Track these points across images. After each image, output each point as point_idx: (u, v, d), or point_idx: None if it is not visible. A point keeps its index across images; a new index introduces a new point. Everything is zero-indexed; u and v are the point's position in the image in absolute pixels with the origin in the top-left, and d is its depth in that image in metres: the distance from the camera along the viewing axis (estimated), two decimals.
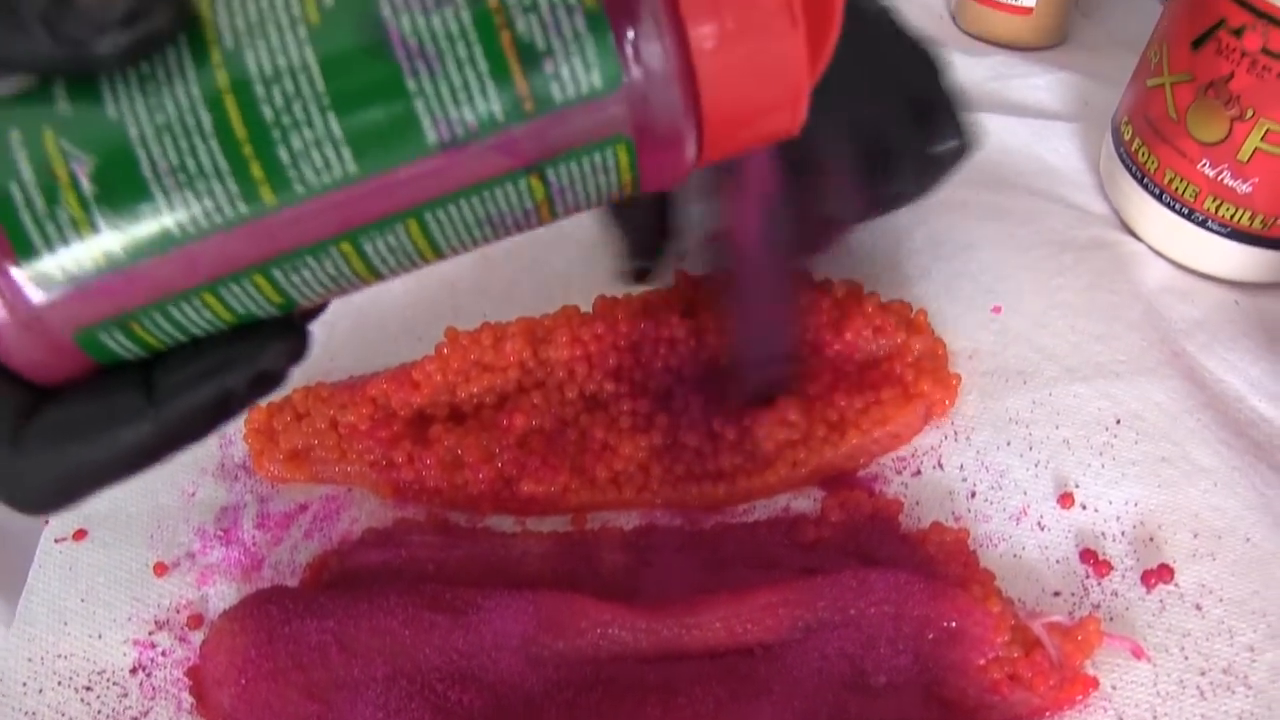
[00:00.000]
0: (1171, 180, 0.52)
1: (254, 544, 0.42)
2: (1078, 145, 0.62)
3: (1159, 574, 0.39)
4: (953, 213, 0.56)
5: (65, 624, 0.40)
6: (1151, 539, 0.41)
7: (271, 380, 0.27)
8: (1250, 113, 0.47)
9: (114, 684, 0.39)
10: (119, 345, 0.25)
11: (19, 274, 0.23)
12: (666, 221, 0.51)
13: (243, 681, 0.36)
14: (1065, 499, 0.42)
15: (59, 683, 0.39)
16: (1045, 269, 0.53)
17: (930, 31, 0.72)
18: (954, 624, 0.36)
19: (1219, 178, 0.50)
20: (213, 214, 0.23)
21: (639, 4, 0.23)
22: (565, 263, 0.53)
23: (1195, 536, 0.41)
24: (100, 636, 0.40)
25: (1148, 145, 0.53)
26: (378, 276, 0.26)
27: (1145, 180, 0.53)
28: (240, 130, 0.23)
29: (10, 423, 0.25)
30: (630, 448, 0.43)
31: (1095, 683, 0.36)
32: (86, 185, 0.23)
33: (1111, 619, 0.39)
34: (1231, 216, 0.50)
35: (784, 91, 0.25)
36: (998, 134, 0.62)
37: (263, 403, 0.44)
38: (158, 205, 0.23)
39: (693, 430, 0.43)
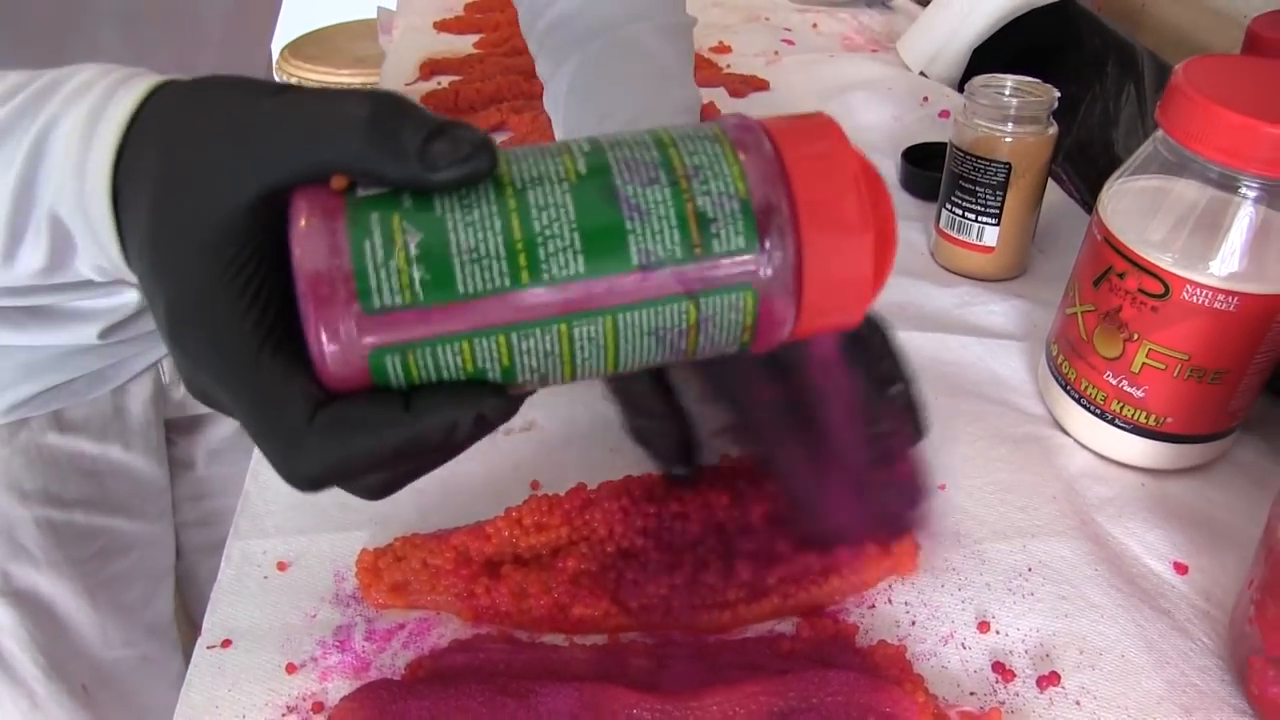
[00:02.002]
0: (1086, 387, 0.65)
1: (363, 652, 0.54)
2: (1024, 360, 0.74)
3: (1050, 679, 0.51)
4: None
5: (217, 707, 0.51)
6: (1047, 655, 0.53)
7: (487, 425, 0.36)
8: (1136, 335, 0.60)
9: None
10: (393, 369, 0.35)
11: (359, 308, 0.33)
12: (689, 434, 0.60)
13: None
14: (983, 626, 0.54)
15: None
16: (985, 456, 0.65)
17: (912, 266, 0.87)
18: (890, 709, 0.48)
19: (1120, 385, 0.62)
20: (488, 283, 0.34)
21: (773, 206, 0.35)
22: (609, 445, 0.67)
23: (1081, 653, 0.53)
24: (244, 716, 0.51)
25: (1068, 360, 0.66)
26: (573, 369, 0.37)
27: (1068, 387, 0.66)
28: (518, 233, 0.34)
29: (309, 412, 0.34)
30: (654, 586, 0.55)
31: None
32: (413, 250, 0.34)
33: (1012, 712, 0.50)
34: (1132, 416, 0.63)
35: (857, 294, 0.37)
36: (957, 351, 0.75)
37: (370, 547, 0.58)
38: (454, 271, 0.34)
39: (711, 570, 0.56)
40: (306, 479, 0.36)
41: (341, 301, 0.33)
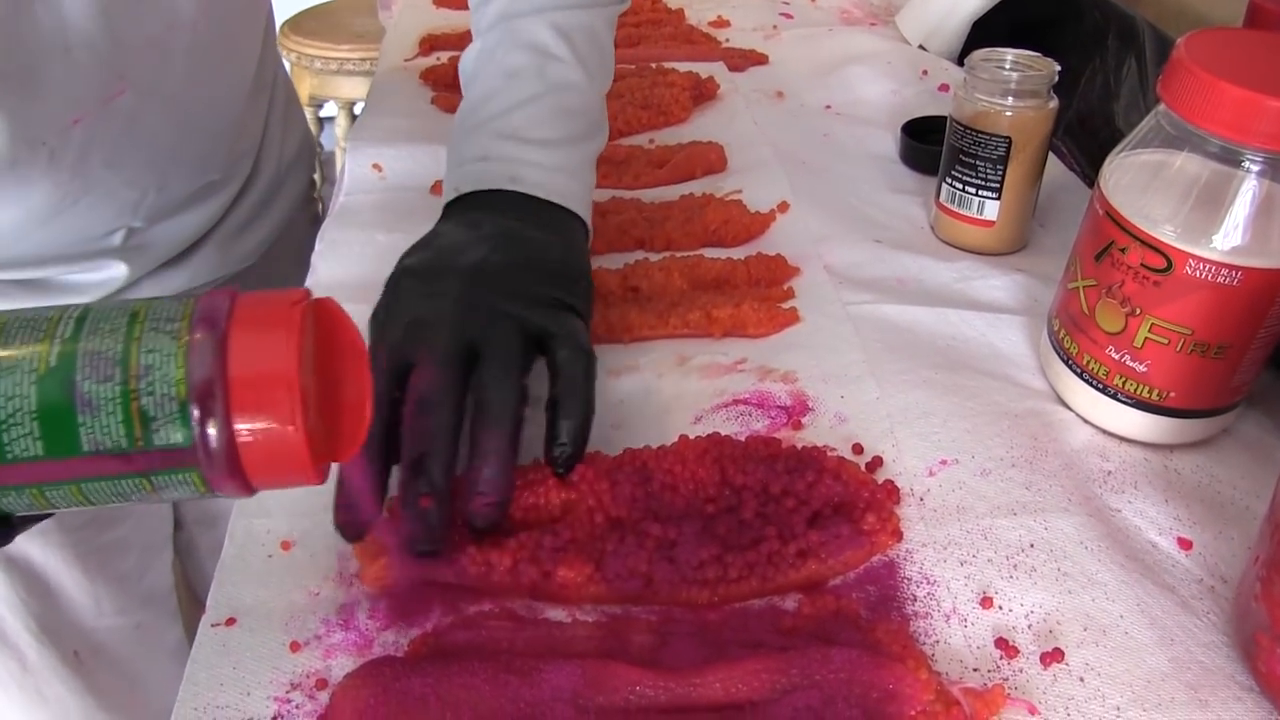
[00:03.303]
0: (1088, 362, 0.65)
1: (366, 630, 0.54)
2: (1025, 335, 0.74)
3: (1053, 655, 0.51)
4: (917, 388, 0.69)
5: (221, 685, 0.52)
6: (1051, 631, 0.53)
7: None
8: (1138, 310, 0.60)
9: None
10: None
11: None
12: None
13: None
14: (986, 602, 0.54)
15: None
16: (987, 432, 0.65)
17: (912, 240, 0.87)
18: (892, 686, 0.48)
19: (1122, 360, 0.62)
20: None
21: (208, 403, 0.39)
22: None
23: (1085, 630, 0.53)
24: (249, 694, 0.51)
25: (1070, 334, 0.66)
26: (59, 509, 0.42)
27: (1070, 362, 0.66)
28: None
29: None
30: (635, 559, 0.55)
31: None
32: None
33: (1015, 688, 0.50)
34: (1135, 391, 0.63)
35: (297, 468, 0.40)
36: (958, 325, 0.75)
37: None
38: None
39: (688, 548, 0.56)
40: None
41: None
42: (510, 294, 0.62)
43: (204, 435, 0.39)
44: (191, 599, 0.97)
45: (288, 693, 0.52)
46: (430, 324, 0.60)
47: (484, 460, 0.56)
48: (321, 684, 0.52)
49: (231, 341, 0.40)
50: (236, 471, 0.40)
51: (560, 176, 0.72)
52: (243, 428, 0.39)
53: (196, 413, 0.39)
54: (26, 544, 0.77)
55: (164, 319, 0.40)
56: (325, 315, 0.43)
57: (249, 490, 0.41)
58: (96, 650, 0.83)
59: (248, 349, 0.40)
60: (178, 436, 0.39)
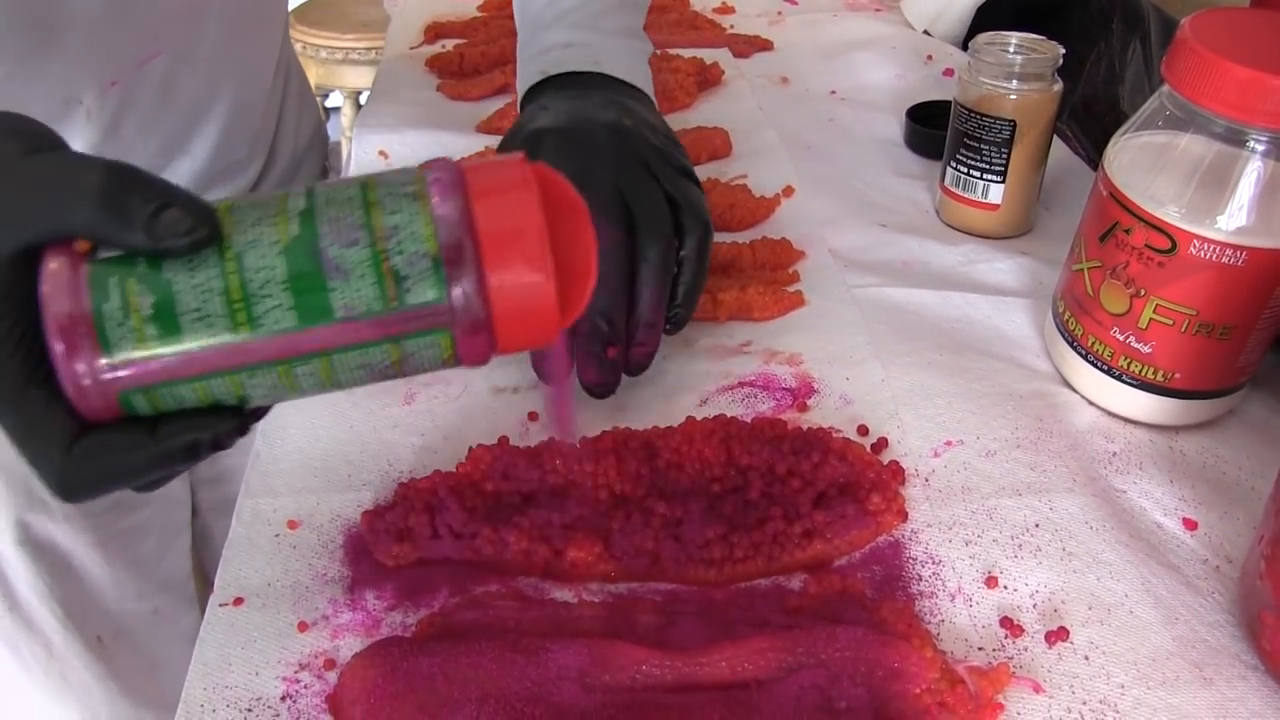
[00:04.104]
0: (1093, 344, 0.65)
1: (374, 610, 0.54)
2: (1029, 317, 0.74)
3: (1058, 634, 0.52)
4: (922, 370, 0.69)
5: (230, 664, 0.52)
6: (1056, 610, 0.53)
7: (224, 443, 0.42)
8: (1143, 291, 0.60)
9: (268, 708, 0.50)
10: (141, 405, 0.40)
11: (102, 360, 0.38)
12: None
13: (371, 701, 0.48)
14: (991, 581, 0.55)
15: (227, 705, 0.50)
16: (992, 413, 0.65)
17: (917, 224, 0.87)
18: (897, 665, 0.49)
19: (1127, 341, 0.62)
20: (213, 337, 0.39)
21: (460, 259, 0.39)
22: None
23: (1090, 609, 0.53)
24: (257, 673, 0.51)
25: (1075, 316, 0.66)
26: (300, 393, 0.42)
27: (1075, 344, 0.66)
28: (236, 293, 0.39)
29: (65, 443, 0.39)
30: (641, 537, 0.56)
31: (1002, 708, 0.48)
32: (146, 311, 0.38)
33: (1020, 666, 0.51)
34: (1140, 372, 0.63)
35: (543, 324, 0.41)
36: (963, 308, 0.75)
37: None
38: (183, 328, 0.39)
39: (693, 527, 0.56)
40: (67, 497, 0.41)
41: (86, 353, 0.38)
42: (651, 155, 0.66)
43: (459, 291, 0.39)
44: (207, 585, 0.97)
45: (296, 673, 0.52)
46: (592, 179, 0.62)
47: (643, 314, 0.62)
48: (330, 664, 0.52)
49: (475, 197, 0.40)
50: (487, 328, 0.40)
51: (639, 63, 0.78)
52: (496, 280, 0.40)
53: (450, 268, 0.39)
54: (51, 526, 0.77)
55: (397, 184, 0.41)
56: (541, 177, 0.43)
57: (490, 353, 0.42)
58: (118, 635, 0.83)
59: (492, 204, 0.40)
60: (431, 294, 0.39)
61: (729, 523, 0.56)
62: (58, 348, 0.38)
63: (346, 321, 0.39)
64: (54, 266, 0.38)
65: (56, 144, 0.42)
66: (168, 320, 0.39)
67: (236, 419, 0.42)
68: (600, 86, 0.73)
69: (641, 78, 0.77)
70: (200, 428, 0.41)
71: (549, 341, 0.42)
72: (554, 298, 0.40)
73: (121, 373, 0.39)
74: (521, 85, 0.78)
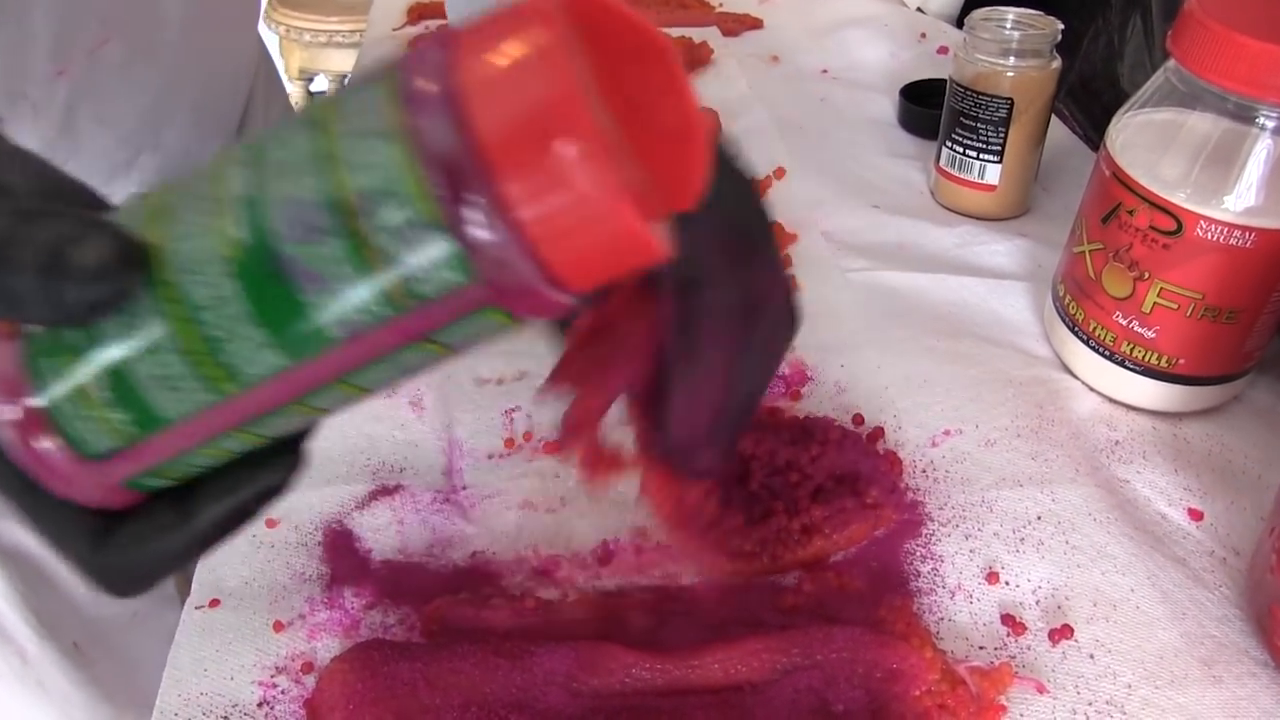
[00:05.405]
0: (1095, 328, 0.63)
1: (353, 609, 0.53)
2: (1028, 301, 0.73)
3: (1062, 632, 0.50)
4: (919, 356, 0.67)
5: (205, 670, 0.50)
6: (1059, 607, 0.51)
7: (277, 491, 0.35)
8: (1147, 274, 0.58)
9: (245, 715, 0.48)
10: (154, 483, 0.33)
11: (76, 458, 0.31)
12: None
13: (350, 707, 0.47)
14: (992, 577, 0.53)
15: (203, 713, 0.48)
16: (991, 400, 0.64)
17: (911, 205, 0.85)
18: (897, 665, 0.47)
19: (1130, 326, 0.60)
20: (193, 405, 0.30)
21: (475, 209, 0.26)
22: None
23: (1094, 605, 0.51)
24: (232, 678, 0.50)
25: (1075, 300, 0.64)
26: (340, 409, 0.32)
27: (1075, 328, 0.64)
28: (195, 345, 0.29)
29: (91, 539, 0.34)
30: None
31: (1004, 709, 0.47)
32: (102, 395, 0.30)
33: (1023, 666, 0.49)
34: (1143, 357, 0.61)
35: (627, 237, 0.27)
36: (959, 291, 0.73)
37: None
38: (153, 405, 0.30)
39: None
40: (117, 591, 0.35)
41: (56, 455, 0.31)
42: None
43: (485, 257, 0.27)
44: (187, 585, 0.95)
45: (273, 677, 0.50)
46: None
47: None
48: (307, 667, 0.50)
49: (471, 97, 0.26)
50: (547, 281, 0.28)
51: None
52: (532, 213, 0.26)
53: (463, 229, 0.26)
54: (21, 535, 0.75)
55: (362, 114, 0.27)
56: (596, 17, 0.29)
57: (567, 299, 0.29)
58: (96, 640, 0.81)
59: (499, 97, 0.26)
60: (448, 274, 0.27)
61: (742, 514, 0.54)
62: (29, 459, 0.31)
63: (351, 341, 0.28)
64: None
65: None
66: (132, 400, 0.30)
67: (280, 459, 0.35)
68: None
69: None
70: (238, 490, 0.34)
71: (655, 251, 0.28)
72: (621, 195, 0.26)
73: (111, 466, 0.32)
74: None
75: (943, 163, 0.83)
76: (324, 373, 0.29)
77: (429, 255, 0.27)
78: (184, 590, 0.56)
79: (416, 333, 0.29)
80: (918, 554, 0.54)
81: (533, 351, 0.60)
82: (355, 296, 0.27)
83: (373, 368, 0.30)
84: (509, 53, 0.26)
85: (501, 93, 0.26)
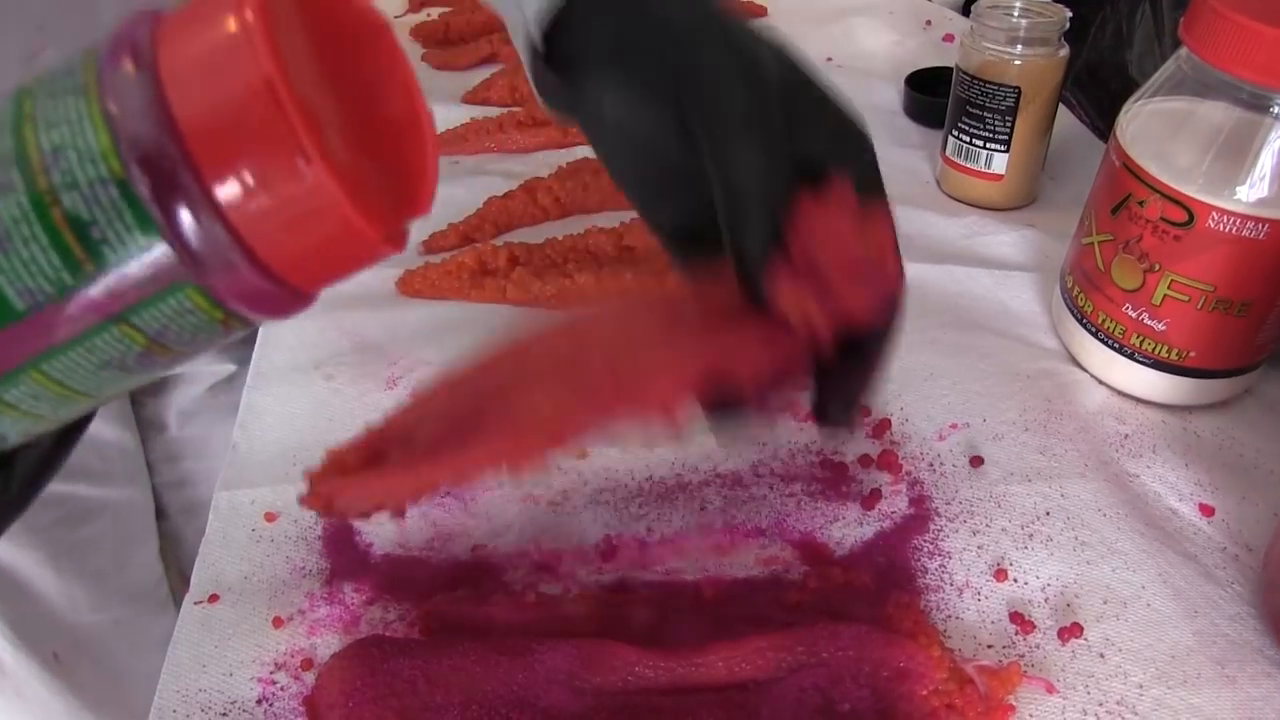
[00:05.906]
0: (1104, 321, 0.62)
1: (352, 604, 0.52)
2: (1036, 292, 0.72)
3: (1072, 630, 0.49)
4: (924, 349, 0.66)
5: (204, 666, 0.50)
6: (1069, 605, 0.51)
7: None
8: (1157, 266, 0.57)
9: (244, 712, 0.48)
10: None
11: None
12: None
13: (350, 705, 0.46)
14: (1000, 574, 0.52)
15: (201, 709, 0.48)
16: (999, 394, 0.63)
17: (917, 195, 0.84)
18: (903, 664, 0.46)
19: (1140, 318, 0.59)
20: None
21: (164, 172, 0.25)
22: None
23: (1105, 602, 0.51)
24: (231, 675, 0.49)
25: (1084, 292, 0.63)
26: (40, 420, 0.30)
27: (1084, 321, 0.63)
28: None
29: None
30: None
31: (1013, 709, 0.46)
32: None
33: (1032, 665, 0.48)
34: (1153, 350, 0.60)
35: (334, 226, 0.26)
36: (965, 283, 0.72)
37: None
38: None
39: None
40: None
41: None
42: None
43: (173, 217, 0.25)
44: (184, 587, 0.95)
45: (272, 673, 0.50)
46: None
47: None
48: (307, 664, 0.50)
49: (164, 61, 0.25)
50: (244, 262, 0.26)
51: None
52: (223, 183, 0.25)
53: (151, 188, 0.25)
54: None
55: (60, 76, 0.26)
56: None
57: (289, 293, 0.28)
58: (75, 649, 0.81)
59: (193, 66, 0.25)
60: (137, 236, 0.25)
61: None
62: None
63: (36, 314, 0.26)
64: None
65: None
66: None
67: None
68: None
69: None
70: None
71: (378, 249, 0.27)
72: (327, 175, 0.25)
73: None
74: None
75: (949, 152, 0.82)
76: (11, 353, 0.27)
77: (112, 214, 0.25)
78: (180, 595, 0.55)
79: (106, 310, 0.26)
80: (925, 550, 0.54)
81: None
82: (36, 258, 0.26)
83: (65, 354, 0.27)
84: (207, 23, 0.25)
85: (197, 65, 0.25)
